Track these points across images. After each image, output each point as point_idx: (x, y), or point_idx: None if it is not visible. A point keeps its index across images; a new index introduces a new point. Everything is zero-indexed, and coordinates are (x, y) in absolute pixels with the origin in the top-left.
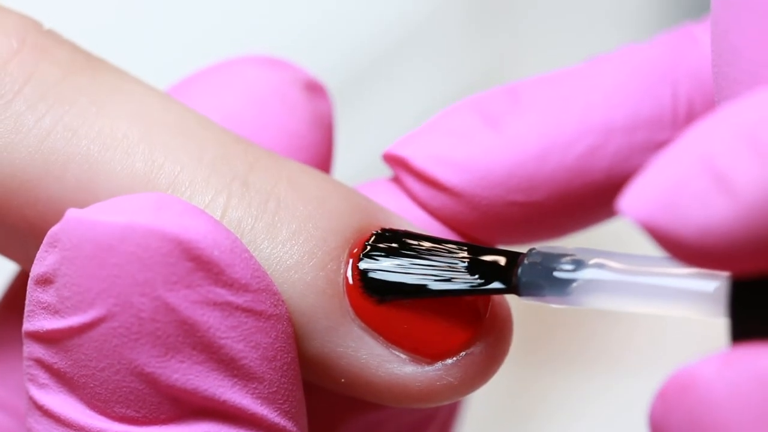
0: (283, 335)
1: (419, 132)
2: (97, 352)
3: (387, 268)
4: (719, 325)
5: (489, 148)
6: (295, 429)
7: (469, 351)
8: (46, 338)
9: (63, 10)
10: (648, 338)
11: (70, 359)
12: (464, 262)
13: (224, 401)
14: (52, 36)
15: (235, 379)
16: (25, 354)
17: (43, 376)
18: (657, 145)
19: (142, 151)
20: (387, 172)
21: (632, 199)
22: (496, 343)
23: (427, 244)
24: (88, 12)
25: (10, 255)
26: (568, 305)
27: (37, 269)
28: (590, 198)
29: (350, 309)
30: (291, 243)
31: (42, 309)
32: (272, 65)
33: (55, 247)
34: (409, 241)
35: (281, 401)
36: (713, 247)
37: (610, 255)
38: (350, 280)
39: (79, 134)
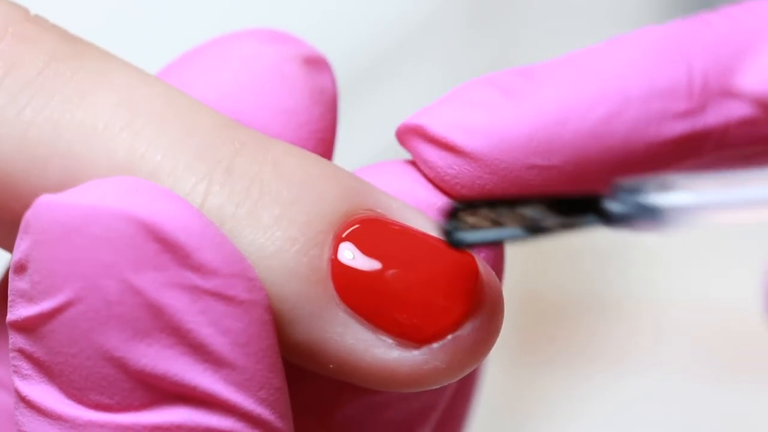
0: (257, 321)
1: (436, 104)
2: (68, 338)
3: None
4: (720, 324)
5: (508, 115)
6: (272, 417)
7: (456, 334)
8: (24, 326)
9: (62, 7)
10: (648, 338)
11: (46, 346)
12: (547, 203)
13: (195, 386)
14: (38, 23)
15: (206, 365)
16: (10, 345)
17: (25, 367)
18: (674, 115)
19: (124, 140)
20: None
21: (756, 76)
22: (486, 324)
23: (504, 199)
24: (85, 6)
25: (6, 247)
26: (662, 230)
27: (14, 257)
28: (608, 164)
29: (335, 294)
30: (273, 229)
31: (20, 297)
32: (271, 39)
33: (28, 232)
34: (490, 200)
35: (256, 388)
36: None
37: (697, 176)
38: (343, 255)
39: (61, 125)
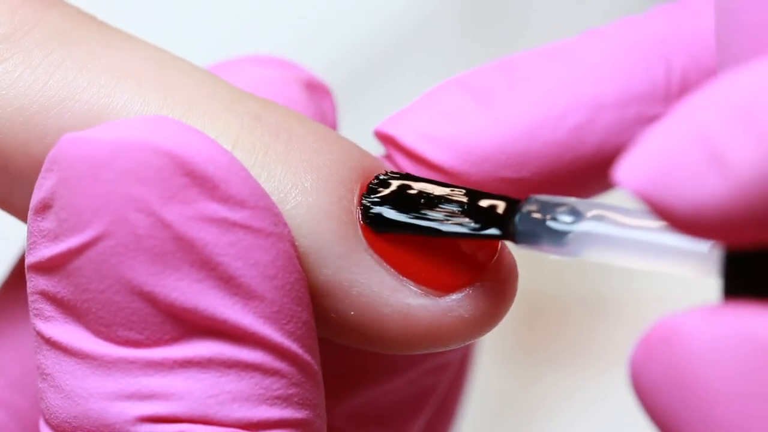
0: (284, 254)
1: (409, 110)
2: (96, 273)
3: (389, 207)
4: None
5: (477, 125)
6: (300, 351)
7: (480, 284)
8: (48, 267)
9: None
10: None
11: (72, 284)
12: (462, 206)
13: (225, 320)
14: None
15: (236, 298)
16: (29, 290)
17: (48, 309)
18: (649, 119)
19: (155, 84)
20: None
21: (627, 170)
22: (506, 280)
23: (428, 186)
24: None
25: (12, 206)
26: (564, 256)
27: (36, 196)
28: (581, 173)
29: (363, 239)
30: (305, 169)
31: (42, 237)
32: (274, 64)
33: (52, 170)
34: (411, 183)
35: (284, 321)
36: (706, 222)
37: (609, 208)
38: (360, 214)
39: (89, 66)
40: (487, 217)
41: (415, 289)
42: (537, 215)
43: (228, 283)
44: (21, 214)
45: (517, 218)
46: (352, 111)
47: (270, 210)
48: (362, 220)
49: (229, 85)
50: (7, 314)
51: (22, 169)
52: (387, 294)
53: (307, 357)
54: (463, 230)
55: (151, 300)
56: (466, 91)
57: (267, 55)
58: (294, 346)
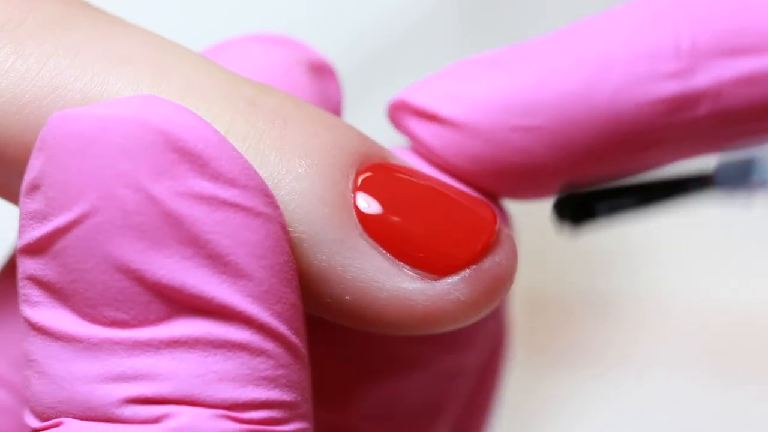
0: (273, 235)
1: (420, 81)
2: (84, 251)
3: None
4: (727, 324)
5: (487, 80)
6: (288, 332)
7: (476, 267)
8: (36, 248)
9: None
10: (653, 338)
11: (59, 265)
12: (661, 184)
13: (212, 298)
14: None
15: (224, 276)
16: (19, 275)
17: (35, 294)
18: (663, 76)
19: (151, 70)
20: None
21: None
22: (504, 261)
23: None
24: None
25: (10, 193)
26: None
27: (26, 178)
28: (596, 125)
29: (358, 224)
30: (300, 155)
31: (31, 219)
32: (276, 43)
33: (42, 149)
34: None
35: (272, 301)
36: None
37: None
38: (359, 206)
39: (83, 53)
40: (686, 183)
41: (411, 272)
42: (730, 165)
43: (216, 261)
44: (15, 200)
45: (716, 170)
46: (352, 111)
47: (261, 190)
48: (567, 220)
49: (225, 71)
50: (6, 294)
51: (17, 158)
52: (383, 278)
53: (294, 339)
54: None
55: (138, 278)
56: (477, 62)
57: (269, 33)
58: (282, 327)
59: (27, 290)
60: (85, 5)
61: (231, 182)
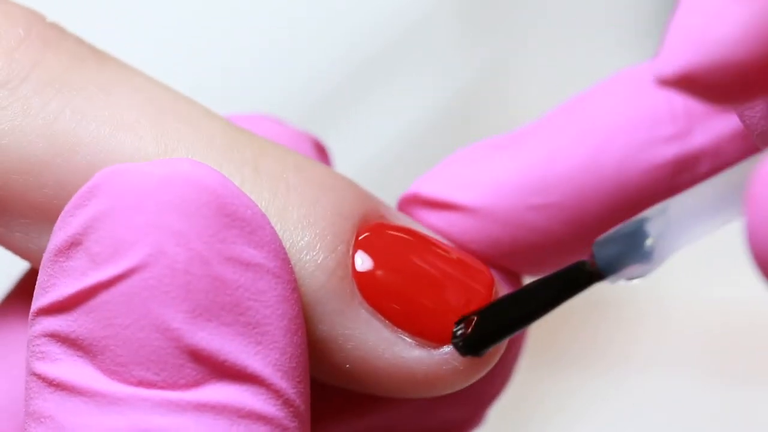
0: (300, 312)
1: (427, 173)
2: (125, 307)
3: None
4: (727, 324)
5: (497, 164)
6: (303, 408)
7: None
8: (66, 305)
9: (65, 11)
10: (653, 338)
11: (94, 320)
12: (539, 282)
13: (245, 367)
14: (56, 28)
15: (259, 347)
16: (33, 333)
17: (56, 350)
18: (663, 140)
19: (154, 136)
20: (380, 173)
21: (664, 62)
22: None
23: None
24: (88, 13)
25: (10, 245)
26: (657, 264)
27: (59, 237)
28: (606, 195)
29: (358, 292)
30: (302, 225)
31: (65, 276)
32: (284, 122)
33: (87, 205)
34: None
35: (298, 378)
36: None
37: (666, 202)
38: (356, 266)
39: (89, 118)
40: (566, 278)
41: (410, 340)
42: (611, 243)
43: (254, 329)
44: (20, 251)
45: (595, 254)
46: (351, 110)
47: (291, 265)
48: (461, 351)
49: (224, 127)
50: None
51: (23, 214)
52: (382, 348)
53: (308, 414)
54: (558, 293)
55: (175, 339)
56: (479, 147)
57: (273, 115)
58: (303, 405)
59: (45, 348)
60: (90, 55)
61: (274, 253)
